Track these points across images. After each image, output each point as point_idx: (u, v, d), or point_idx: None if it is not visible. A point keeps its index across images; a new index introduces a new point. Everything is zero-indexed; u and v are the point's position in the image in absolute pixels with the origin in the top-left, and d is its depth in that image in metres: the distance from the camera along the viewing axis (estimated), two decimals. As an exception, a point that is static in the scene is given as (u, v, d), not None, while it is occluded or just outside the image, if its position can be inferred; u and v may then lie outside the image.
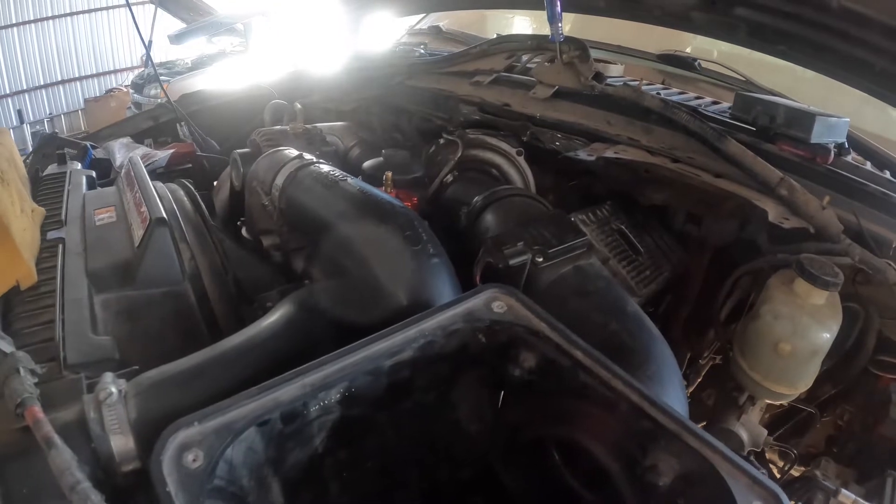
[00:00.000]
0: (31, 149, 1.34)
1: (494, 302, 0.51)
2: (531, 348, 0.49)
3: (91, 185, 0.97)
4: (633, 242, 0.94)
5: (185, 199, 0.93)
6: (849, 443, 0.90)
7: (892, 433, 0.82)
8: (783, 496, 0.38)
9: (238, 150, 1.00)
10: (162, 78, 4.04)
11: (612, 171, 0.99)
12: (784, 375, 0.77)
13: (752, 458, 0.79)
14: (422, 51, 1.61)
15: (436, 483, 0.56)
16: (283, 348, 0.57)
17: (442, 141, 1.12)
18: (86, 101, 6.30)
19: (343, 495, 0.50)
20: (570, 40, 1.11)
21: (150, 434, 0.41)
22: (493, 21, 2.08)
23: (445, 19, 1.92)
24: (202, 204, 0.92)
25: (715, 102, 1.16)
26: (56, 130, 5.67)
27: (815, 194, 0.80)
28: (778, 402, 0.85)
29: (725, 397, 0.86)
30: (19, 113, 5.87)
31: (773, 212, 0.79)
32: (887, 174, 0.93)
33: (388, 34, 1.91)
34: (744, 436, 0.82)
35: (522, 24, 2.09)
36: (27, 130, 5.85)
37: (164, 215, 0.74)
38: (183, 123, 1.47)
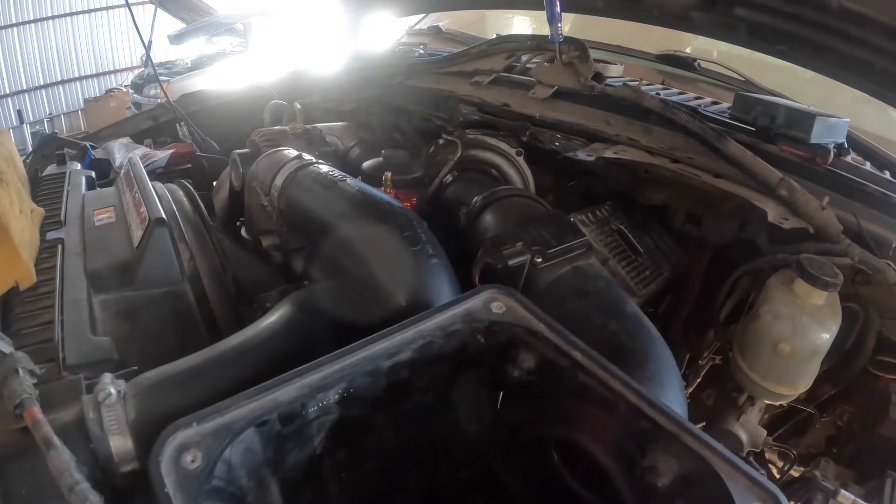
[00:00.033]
0: (30, 149, 1.34)
1: (493, 302, 0.51)
2: (530, 349, 0.49)
3: (90, 185, 0.97)
4: (633, 243, 0.94)
5: (185, 199, 0.93)
6: (848, 443, 0.90)
7: (891, 433, 0.82)
8: (782, 497, 0.38)
9: (237, 151, 1.01)
10: (162, 78, 4.04)
11: (612, 171, 0.99)
12: (783, 376, 0.77)
13: (751, 458, 0.79)
14: (421, 51, 1.61)
15: (435, 483, 0.56)
16: (282, 349, 0.57)
17: (441, 141, 1.12)
18: (85, 101, 6.31)
19: (342, 496, 0.50)
20: (569, 40, 1.11)
21: (148, 434, 0.41)
22: (492, 21, 2.08)
23: (445, 19, 1.92)
24: (201, 204, 0.92)
25: (715, 103, 1.16)
26: (56, 131, 5.67)
27: (815, 195, 0.80)
28: (777, 403, 0.84)
29: (725, 398, 0.86)
30: (19, 113, 5.87)
31: (773, 212, 0.79)
32: (887, 174, 0.93)
33: (387, 34, 1.91)
34: (743, 436, 0.82)
35: (522, 24, 2.09)
36: (27, 130, 5.85)
37: (164, 216, 0.74)
38: (182, 124, 1.47)
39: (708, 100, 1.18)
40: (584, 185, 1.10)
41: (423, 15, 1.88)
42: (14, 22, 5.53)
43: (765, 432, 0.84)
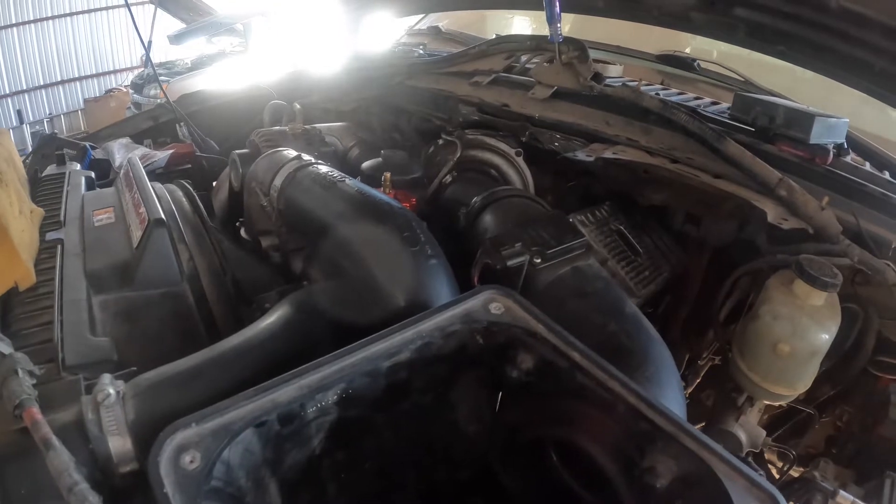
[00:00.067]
0: (30, 149, 1.34)
1: (492, 303, 0.51)
2: (529, 349, 0.49)
3: (90, 185, 0.98)
4: (632, 243, 0.94)
5: (184, 199, 0.93)
6: (848, 443, 0.90)
7: (891, 434, 0.82)
8: (780, 498, 0.38)
9: (237, 151, 1.01)
10: (161, 78, 4.04)
11: (611, 171, 0.99)
12: (783, 376, 0.77)
13: (750, 459, 0.79)
14: (421, 51, 1.61)
15: (434, 484, 0.56)
16: (281, 349, 0.57)
17: (441, 141, 1.12)
18: (85, 101, 6.30)
19: (341, 496, 0.50)
20: (568, 41, 1.11)
21: (148, 435, 0.41)
22: (492, 21, 2.08)
23: (445, 20, 1.92)
24: (201, 205, 0.92)
25: (714, 103, 1.16)
26: (55, 131, 5.67)
27: (814, 195, 0.80)
28: (776, 403, 0.84)
29: (724, 398, 0.86)
30: (19, 113, 5.87)
31: (772, 212, 0.79)
32: (886, 175, 0.93)
33: (387, 34, 1.91)
34: (742, 437, 0.82)
35: (522, 24, 2.09)
36: (27, 131, 5.85)
37: (163, 216, 0.74)
38: (182, 124, 1.47)
39: (707, 100, 1.18)
40: (584, 185, 1.10)
41: (423, 15, 1.88)
42: (14, 22, 5.53)
43: (764, 433, 0.84)
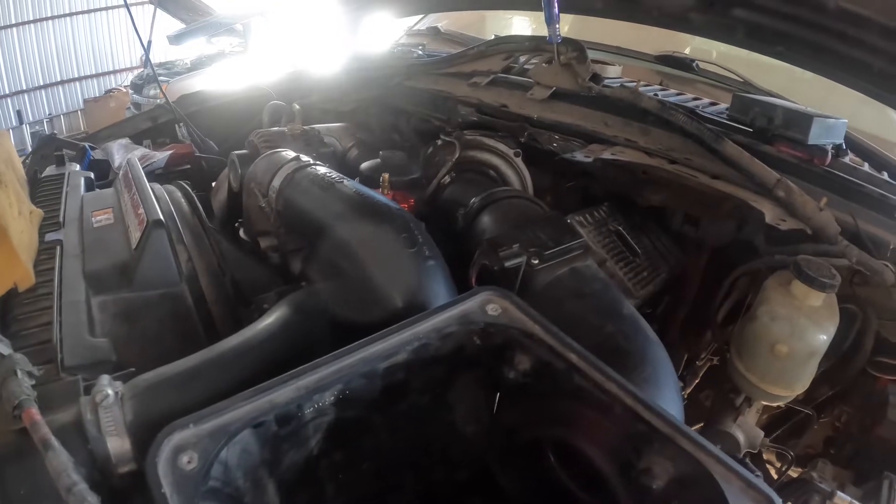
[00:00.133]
0: (30, 149, 1.34)
1: (489, 304, 0.51)
2: (526, 351, 0.49)
3: (89, 186, 0.98)
4: (631, 244, 0.94)
5: (183, 200, 0.93)
6: (846, 444, 0.90)
7: (889, 434, 0.82)
8: (776, 499, 0.38)
9: (236, 152, 1.01)
10: (161, 78, 4.04)
11: (610, 172, 0.99)
12: (781, 377, 0.77)
13: (748, 459, 0.79)
14: (420, 52, 1.61)
15: (432, 484, 0.57)
16: (279, 350, 0.57)
17: (440, 142, 1.12)
18: (85, 101, 6.30)
19: (339, 497, 0.50)
20: (567, 41, 1.11)
21: (146, 436, 0.41)
22: (491, 22, 2.08)
23: (444, 20, 1.92)
24: (199, 205, 0.92)
25: (713, 104, 1.16)
26: (55, 131, 5.66)
27: (813, 196, 0.80)
28: (775, 404, 0.85)
29: (722, 399, 0.86)
30: (18, 113, 5.87)
31: (771, 213, 0.80)
32: (885, 175, 0.93)
33: (386, 35, 1.91)
34: (740, 437, 0.82)
35: (522, 24, 2.09)
36: (26, 131, 5.85)
37: (161, 217, 0.74)
38: (181, 124, 1.47)
39: (706, 101, 1.18)
40: (582, 186, 1.10)
41: (422, 16, 1.88)
42: (14, 22, 5.53)
43: (762, 433, 0.84)
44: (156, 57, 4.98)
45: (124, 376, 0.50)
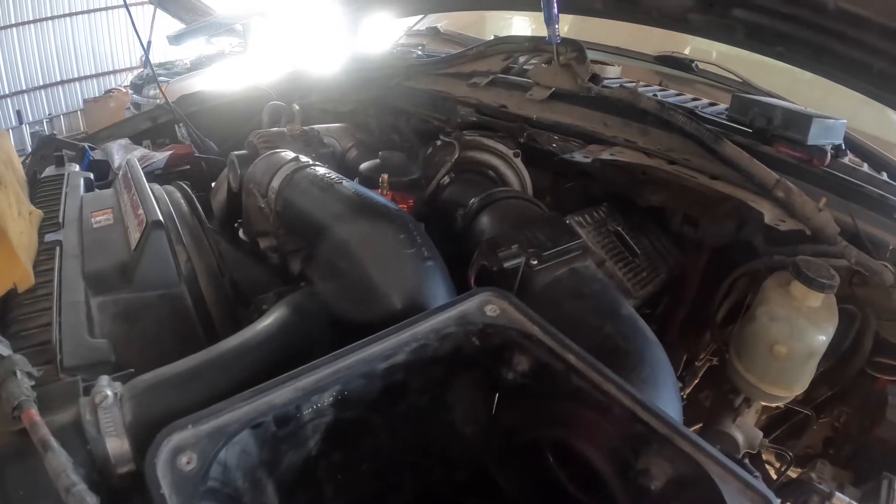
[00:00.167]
0: (29, 150, 1.34)
1: (487, 305, 0.51)
2: (524, 352, 0.50)
3: (89, 187, 0.98)
4: (630, 244, 0.94)
5: (182, 201, 0.93)
6: (845, 445, 0.90)
7: (888, 435, 0.82)
8: (774, 500, 0.38)
9: (235, 152, 1.01)
10: (161, 78, 4.04)
11: (609, 172, 0.99)
12: (780, 378, 0.77)
13: (746, 460, 0.79)
14: (420, 52, 1.61)
15: (431, 485, 0.57)
16: (278, 351, 0.57)
17: (439, 142, 1.13)
18: (85, 101, 6.30)
19: (338, 497, 0.51)
20: (566, 42, 1.11)
21: (145, 436, 0.41)
22: (491, 22, 2.08)
23: (444, 20, 1.92)
24: (199, 206, 0.92)
25: (712, 104, 1.16)
26: (55, 131, 5.66)
27: (812, 196, 0.80)
28: (774, 405, 0.85)
29: (721, 399, 0.86)
30: (18, 114, 5.87)
31: (770, 214, 0.80)
32: (884, 176, 0.93)
33: (386, 35, 1.91)
34: (739, 438, 0.82)
35: (521, 25, 2.09)
36: (26, 131, 5.85)
37: (161, 218, 0.74)
38: (181, 125, 1.47)
39: (705, 101, 1.18)
40: (582, 186, 1.10)
41: (422, 16, 1.88)
42: (13, 22, 5.53)
43: (761, 434, 0.84)
44: (155, 57, 4.97)
45: (123, 377, 0.50)
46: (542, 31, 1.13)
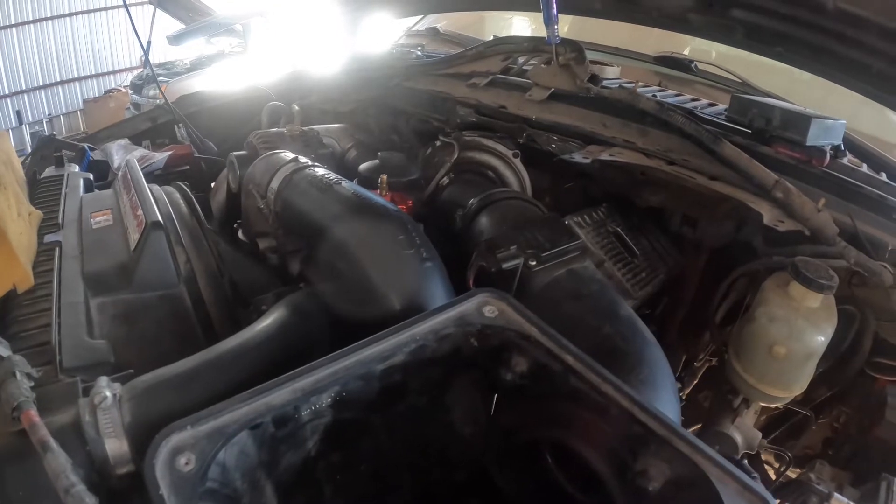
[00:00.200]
0: (29, 150, 1.34)
1: (486, 306, 0.51)
2: (523, 353, 0.50)
3: (88, 187, 0.98)
4: (629, 245, 0.94)
5: (181, 201, 0.93)
6: (844, 445, 0.90)
7: (887, 435, 0.82)
8: (772, 502, 0.38)
9: (235, 153, 1.01)
10: (161, 79, 4.04)
11: (608, 173, 0.99)
12: (779, 378, 0.77)
13: (745, 461, 0.79)
14: (419, 52, 1.61)
15: (430, 485, 0.57)
16: (277, 352, 0.57)
17: (438, 143, 1.13)
18: (85, 101, 6.31)
19: (337, 497, 0.51)
20: (566, 42, 1.11)
21: (144, 437, 0.41)
22: (491, 23, 2.08)
23: (443, 21, 1.92)
24: (198, 207, 0.92)
25: (711, 104, 1.16)
26: (55, 131, 5.67)
27: (811, 197, 0.80)
28: (773, 405, 0.85)
29: (720, 400, 0.86)
30: (18, 114, 5.87)
31: (769, 214, 0.80)
32: (883, 176, 0.93)
33: (385, 36, 1.91)
34: (738, 438, 0.82)
35: (521, 25, 2.09)
36: (26, 131, 5.85)
37: (160, 219, 0.74)
38: (181, 125, 1.47)
39: (704, 101, 1.18)
40: (581, 187, 1.10)
41: (422, 16, 1.88)
42: (13, 23, 5.53)
43: (760, 435, 0.84)
44: (155, 57, 4.98)
45: (123, 378, 0.50)
46: (542, 32, 1.13)
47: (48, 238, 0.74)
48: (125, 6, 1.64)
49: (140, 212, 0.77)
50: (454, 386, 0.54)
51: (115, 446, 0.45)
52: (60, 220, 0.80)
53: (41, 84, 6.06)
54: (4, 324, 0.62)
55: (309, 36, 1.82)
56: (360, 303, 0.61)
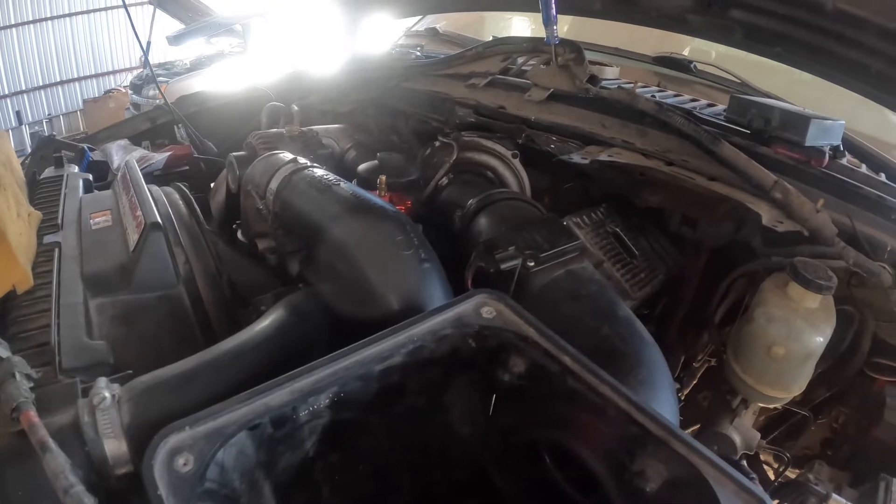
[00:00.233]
0: (29, 150, 1.34)
1: (484, 307, 0.51)
2: (520, 353, 0.50)
3: (88, 188, 0.98)
4: (628, 245, 0.94)
5: (181, 202, 0.93)
6: (843, 446, 0.90)
7: (886, 436, 0.82)
8: (769, 502, 0.39)
9: (234, 153, 1.01)
10: (160, 79, 4.04)
11: (607, 173, 1.00)
12: (777, 379, 0.77)
13: (743, 461, 0.79)
14: (419, 53, 1.61)
15: (428, 486, 0.57)
16: (276, 352, 0.58)
17: (437, 143, 1.13)
18: (84, 101, 6.30)
19: (335, 498, 0.51)
20: (565, 43, 1.12)
21: (143, 438, 0.41)
22: (490, 23, 2.08)
23: (442, 21, 1.92)
24: (197, 207, 0.93)
25: (710, 105, 1.16)
26: (54, 132, 5.67)
27: (810, 197, 0.80)
28: (771, 406, 0.85)
29: (719, 400, 0.87)
30: (18, 114, 5.88)
31: (768, 215, 0.80)
32: (882, 177, 0.93)
33: (385, 36, 1.91)
34: (736, 439, 0.82)
35: (521, 25, 2.09)
36: (26, 131, 5.85)
37: (159, 219, 0.74)
38: (180, 125, 1.47)
39: (703, 102, 1.18)
40: (580, 187, 1.10)
41: (421, 17, 1.88)
42: (13, 23, 5.53)
43: (758, 435, 0.84)
44: (155, 57, 4.98)
45: (122, 379, 0.51)
46: (541, 32, 1.13)
47: (47, 239, 0.75)
48: (125, 6, 1.64)
49: (139, 212, 0.77)
50: (452, 386, 0.54)
51: (114, 447, 0.45)
52: (60, 221, 0.80)
53: (41, 84, 6.06)
54: (4, 324, 0.62)
55: (308, 36, 1.82)
56: (359, 303, 0.61)
